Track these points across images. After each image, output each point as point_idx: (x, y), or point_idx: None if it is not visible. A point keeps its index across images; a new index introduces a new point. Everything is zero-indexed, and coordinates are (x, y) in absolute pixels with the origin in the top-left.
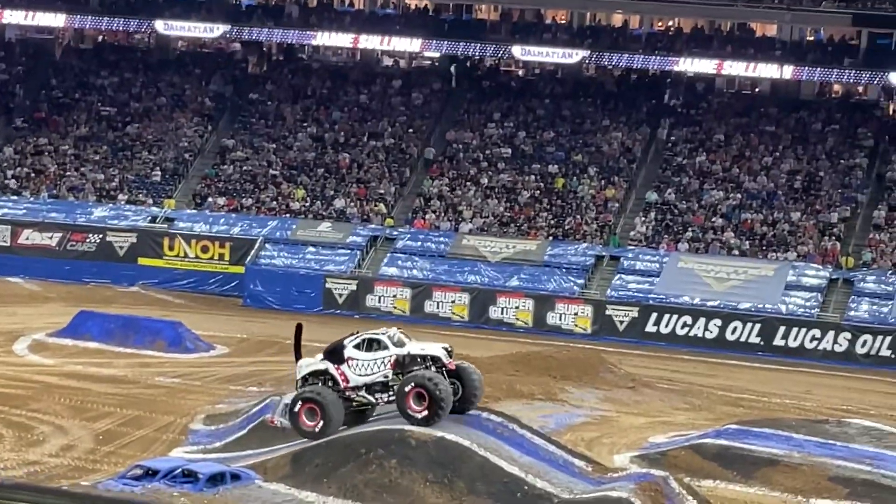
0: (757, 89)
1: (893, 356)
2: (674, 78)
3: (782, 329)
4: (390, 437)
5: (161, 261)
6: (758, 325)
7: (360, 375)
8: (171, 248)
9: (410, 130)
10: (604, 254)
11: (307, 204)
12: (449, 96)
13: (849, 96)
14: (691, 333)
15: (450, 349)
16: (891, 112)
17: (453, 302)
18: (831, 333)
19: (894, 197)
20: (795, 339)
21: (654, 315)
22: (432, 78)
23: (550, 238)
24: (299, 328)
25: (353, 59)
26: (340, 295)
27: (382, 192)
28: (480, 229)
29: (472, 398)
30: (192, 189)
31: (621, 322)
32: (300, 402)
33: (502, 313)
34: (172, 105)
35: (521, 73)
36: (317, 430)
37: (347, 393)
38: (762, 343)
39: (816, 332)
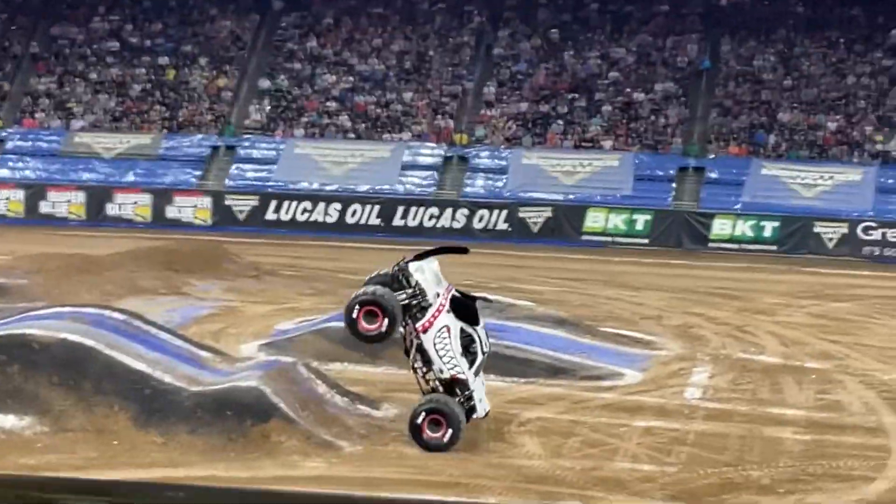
0: None
1: (510, 229)
2: None
3: (401, 209)
4: (11, 343)
5: None
6: (377, 207)
7: (440, 353)
8: None
9: (13, 27)
10: (220, 144)
11: None
12: None
13: None
14: (312, 219)
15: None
16: None
17: (69, 201)
18: (449, 211)
19: (503, 73)
20: (415, 218)
21: (274, 203)
22: None
23: (165, 131)
24: (458, 250)
25: None
26: None
27: None
28: (93, 125)
29: None
30: None
31: (241, 212)
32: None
33: (120, 209)
34: None
35: None
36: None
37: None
38: (382, 224)
39: (434, 211)
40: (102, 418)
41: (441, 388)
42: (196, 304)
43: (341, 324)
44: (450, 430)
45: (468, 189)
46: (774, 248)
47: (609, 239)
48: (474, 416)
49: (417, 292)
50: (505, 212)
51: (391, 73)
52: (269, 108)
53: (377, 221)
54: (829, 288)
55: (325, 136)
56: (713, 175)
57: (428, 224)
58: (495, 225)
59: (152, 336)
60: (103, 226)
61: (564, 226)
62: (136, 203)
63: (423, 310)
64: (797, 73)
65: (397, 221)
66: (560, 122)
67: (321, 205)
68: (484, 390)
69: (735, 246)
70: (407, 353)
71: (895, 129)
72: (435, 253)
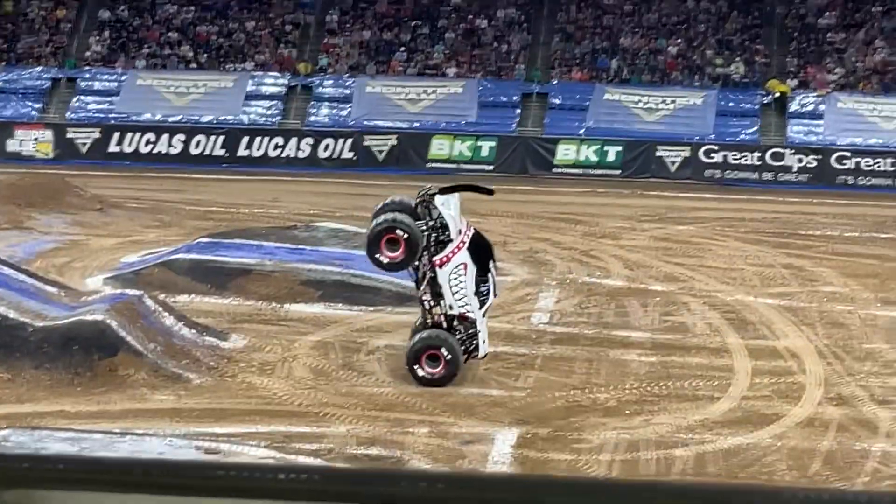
0: None
1: (355, 158)
2: None
3: (245, 139)
4: None
5: None
6: (221, 138)
7: (454, 290)
8: None
9: None
10: (60, 76)
11: None
12: None
13: None
14: (155, 150)
15: None
16: None
17: None
18: (294, 140)
19: (345, 1)
20: (259, 148)
21: (117, 135)
22: None
23: (3, 63)
24: (484, 190)
25: None
26: None
27: None
28: None
29: None
30: None
31: (84, 144)
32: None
33: None
34: None
35: None
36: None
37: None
38: (227, 154)
39: (279, 140)
40: None
41: (444, 324)
42: (40, 238)
43: (188, 256)
44: (447, 367)
45: (312, 118)
46: (618, 172)
47: (454, 166)
48: (476, 356)
49: (438, 225)
50: (350, 141)
51: (233, 2)
52: (109, 39)
53: (221, 152)
54: (672, 211)
55: (167, 67)
56: (556, 101)
57: (273, 154)
58: (340, 154)
59: None
60: None
61: (410, 154)
62: None
63: (442, 244)
64: None
65: (242, 152)
66: (403, 49)
67: (165, 136)
68: (487, 333)
69: (579, 171)
70: (417, 284)
71: (735, 52)
72: (461, 189)
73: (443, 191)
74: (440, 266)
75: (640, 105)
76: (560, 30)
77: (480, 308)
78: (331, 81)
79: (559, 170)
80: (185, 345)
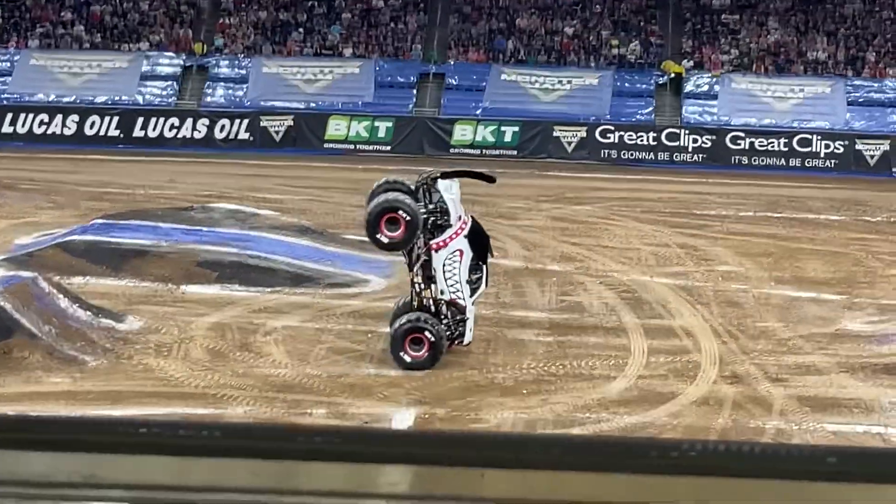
0: None
1: (252, 139)
2: None
3: (141, 120)
4: None
5: None
6: (116, 118)
7: (447, 275)
8: None
9: None
10: None
11: None
12: None
13: None
14: (49, 131)
15: None
16: None
17: None
18: (190, 121)
19: None
20: (155, 128)
21: (10, 115)
22: None
23: None
24: (487, 178)
25: None
26: None
27: None
28: None
29: None
30: None
31: None
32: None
33: None
34: None
35: None
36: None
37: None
38: (122, 135)
39: (175, 121)
40: None
41: (433, 308)
42: None
43: (83, 237)
44: (430, 350)
45: (208, 99)
46: (515, 152)
47: (351, 146)
48: (461, 342)
49: (438, 209)
50: (246, 121)
51: None
52: (1, 18)
53: (116, 133)
54: (569, 191)
55: (60, 47)
56: (453, 81)
57: (168, 134)
58: (237, 134)
59: None
60: None
61: (307, 134)
62: None
63: (441, 228)
64: None
65: (137, 132)
66: (300, 29)
67: (58, 117)
68: (473, 320)
69: (476, 151)
70: (410, 266)
71: (631, 33)
72: (464, 175)
73: (445, 175)
74: (436, 250)
75: (537, 86)
76: (457, 10)
77: (472, 296)
78: (227, 62)
79: (456, 150)
80: (80, 327)
